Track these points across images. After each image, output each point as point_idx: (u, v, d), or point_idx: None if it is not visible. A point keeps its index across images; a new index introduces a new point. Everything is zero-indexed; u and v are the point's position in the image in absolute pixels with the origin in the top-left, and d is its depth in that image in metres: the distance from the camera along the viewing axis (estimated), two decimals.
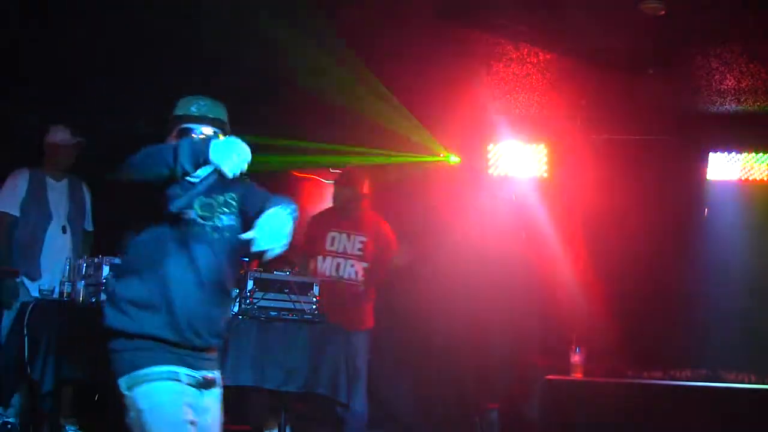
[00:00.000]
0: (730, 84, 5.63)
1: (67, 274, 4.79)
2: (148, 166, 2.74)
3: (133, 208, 3.00)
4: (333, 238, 5.76)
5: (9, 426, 4.86)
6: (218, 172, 2.68)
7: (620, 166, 6.63)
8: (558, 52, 5.28)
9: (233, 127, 3.14)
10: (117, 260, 4.60)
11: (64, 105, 6.22)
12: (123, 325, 2.88)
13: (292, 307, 4.86)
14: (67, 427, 4.83)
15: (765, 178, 6.57)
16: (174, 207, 2.91)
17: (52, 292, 4.86)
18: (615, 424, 5.67)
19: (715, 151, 6.64)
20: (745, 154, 6.60)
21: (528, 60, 5.40)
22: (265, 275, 4.93)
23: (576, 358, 6.13)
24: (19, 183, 5.45)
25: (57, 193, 5.56)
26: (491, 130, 6.91)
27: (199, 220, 2.95)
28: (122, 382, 2.86)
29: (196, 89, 3.17)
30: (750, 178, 6.60)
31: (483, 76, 5.77)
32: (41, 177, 5.52)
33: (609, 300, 6.44)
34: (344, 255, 5.75)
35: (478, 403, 6.60)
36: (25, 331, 4.36)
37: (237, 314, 4.74)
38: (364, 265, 5.75)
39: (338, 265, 5.74)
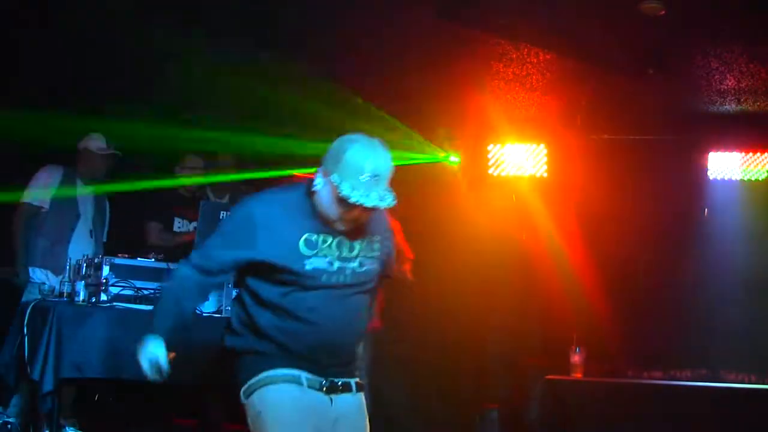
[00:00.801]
0: (730, 84, 5.63)
1: (67, 274, 4.79)
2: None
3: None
4: None
5: (9, 426, 4.85)
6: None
7: (620, 166, 6.63)
8: (558, 52, 5.27)
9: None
10: (117, 260, 4.62)
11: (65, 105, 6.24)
12: (242, 345, 2.81)
13: None
14: (67, 427, 4.83)
15: (765, 178, 6.58)
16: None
17: (53, 291, 4.86)
18: (615, 424, 5.67)
19: (715, 151, 6.65)
20: (745, 154, 6.60)
21: (528, 60, 5.40)
22: None
23: (576, 358, 6.13)
24: (52, 178, 5.49)
25: (84, 196, 5.60)
26: (491, 130, 6.91)
27: (337, 263, 2.77)
28: (242, 393, 2.76)
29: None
30: (750, 178, 6.61)
31: (483, 76, 5.77)
32: (73, 176, 5.56)
33: (609, 300, 6.44)
34: None
35: (478, 403, 6.61)
36: (25, 331, 4.36)
37: None
38: None
39: None
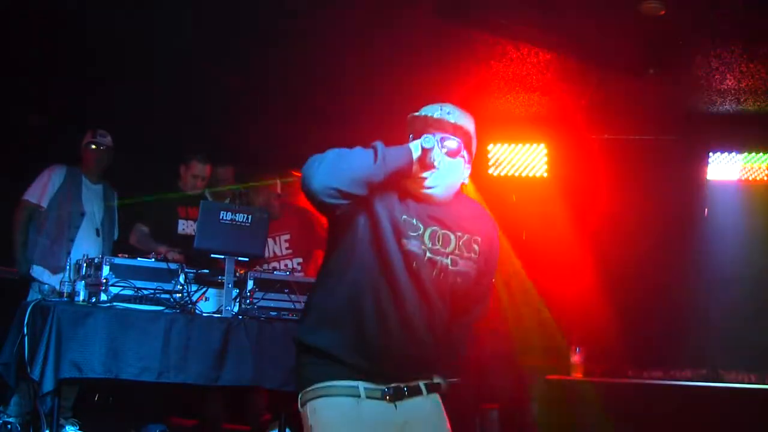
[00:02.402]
0: (730, 84, 5.63)
1: (67, 274, 4.79)
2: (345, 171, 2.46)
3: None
4: None
5: (9, 426, 4.86)
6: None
7: (620, 166, 6.63)
8: (558, 52, 5.27)
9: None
10: (117, 260, 4.62)
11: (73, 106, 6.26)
12: (306, 340, 2.68)
13: (292, 307, 4.87)
14: (67, 427, 4.83)
15: (765, 178, 6.57)
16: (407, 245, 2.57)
17: (53, 291, 4.87)
18: (615, 424, 5.67)
19: (715, 151, 6.64)
20: (745, 154, 6.60)
21: (528, 60, 5.40)
22: (265, 275, 4.94)
23: (576, 358, 6.14)
24: (53, 177, 5.53)
25: (91, 194, 5.63)
26: (491, 130, 6.91)
27: (428, 254, 2.61)
28: (299, 398, 2.68)
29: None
30: (750, 178, 6.60)
31: (483, 76, 5.76)
32: (78, 175, 5.59)
33: (609, 300, 6.44)
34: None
35: (478, 403, 6.61)
36: (25, 331, 4.36)
37: (237, 314, 4.75)
38: (298, 260, 5.93)
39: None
